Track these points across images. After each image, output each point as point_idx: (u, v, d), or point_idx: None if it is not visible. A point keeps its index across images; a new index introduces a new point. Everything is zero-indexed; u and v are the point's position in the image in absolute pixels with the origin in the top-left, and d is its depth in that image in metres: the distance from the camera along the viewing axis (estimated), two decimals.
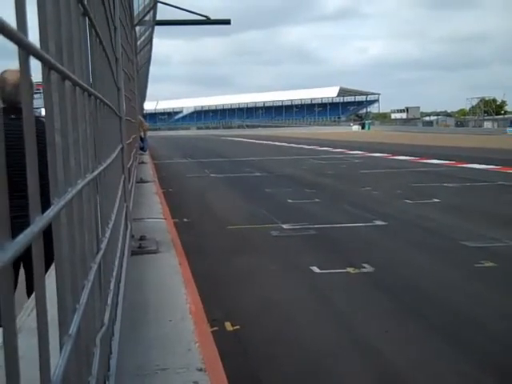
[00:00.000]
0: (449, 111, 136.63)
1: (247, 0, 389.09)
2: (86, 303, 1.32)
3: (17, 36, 0.73)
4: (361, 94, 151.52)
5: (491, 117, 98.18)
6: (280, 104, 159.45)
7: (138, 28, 17.41)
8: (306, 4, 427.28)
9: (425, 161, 24.01)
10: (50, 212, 1.07)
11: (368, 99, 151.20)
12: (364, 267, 6.67)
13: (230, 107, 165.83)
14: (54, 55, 1.31)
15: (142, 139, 21.63)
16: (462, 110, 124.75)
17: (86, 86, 1.82)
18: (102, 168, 2.23)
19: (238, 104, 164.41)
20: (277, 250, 7.93)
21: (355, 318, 5.17)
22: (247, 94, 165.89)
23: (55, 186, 1.20)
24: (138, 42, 19.46)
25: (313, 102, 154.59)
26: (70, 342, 1.09)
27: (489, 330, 4.78)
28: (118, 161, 4.31)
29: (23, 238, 0.73)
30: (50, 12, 1.37)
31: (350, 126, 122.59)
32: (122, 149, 4.91)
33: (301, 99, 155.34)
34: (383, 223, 9.56)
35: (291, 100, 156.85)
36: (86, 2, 1.97)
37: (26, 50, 0.81)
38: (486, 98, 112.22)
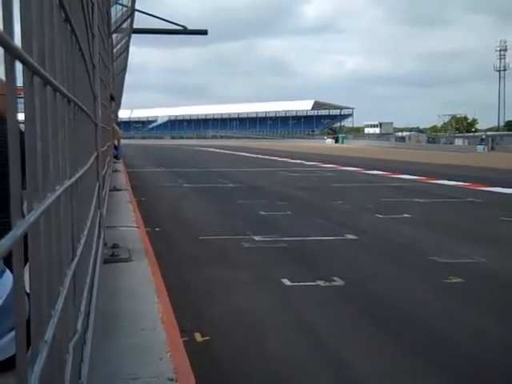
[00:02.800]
0: (421, 127, 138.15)
1: (225, 11, 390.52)
2: (61, 310, 1.32)
3: (4, 40, 0.73)
4: (335, 107, 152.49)
5: (462, 134, 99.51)
6: (254, 116, 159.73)
7: (114, 35, 17.37)
8: (284, 17, 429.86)
9: (396, 176, 24.24)
10: (30, 217, 1.07)
11: (342, 113, 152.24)
12: (334, 280, 6.71)
13: (204, 117, 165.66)
14: (37, 60, 1.31)
15: (115, 147, 21.51)
16: (433, 127, 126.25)
17: (66, 91, 1.82)
18: (79, 174, 2.23)
19: (213, 114, 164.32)
20: (248, 262, 7.93)
21: (325, 331, 5.20)
22: (222, 105, 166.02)
23: (35, 191, 1.20)
24: (115, 50, 19.40)
25: (287, 114, 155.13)
26: (46, 349, 1.09)
27: (454, 344, 4.84)
28: (93, 168, 4.30)
29: (5, 242, 0.73)
30: (34, 16, 1.37)
31: (323, 139, 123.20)
32: (97, 156, 4.89)
33: (275, 111, 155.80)
34: (354, 237, 9.62)
35: (266, 112, 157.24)
36: (67, 9, 1.97)
37: (12, 55, 0.81)
38: (458, 116, 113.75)
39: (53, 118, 1.54)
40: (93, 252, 2.95)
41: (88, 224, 2.61)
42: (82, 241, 2.15)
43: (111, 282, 3.71)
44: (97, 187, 4.41)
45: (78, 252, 1.92)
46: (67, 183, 1.69)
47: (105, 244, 4.62)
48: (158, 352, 2.48)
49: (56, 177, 1.54)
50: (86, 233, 2.36)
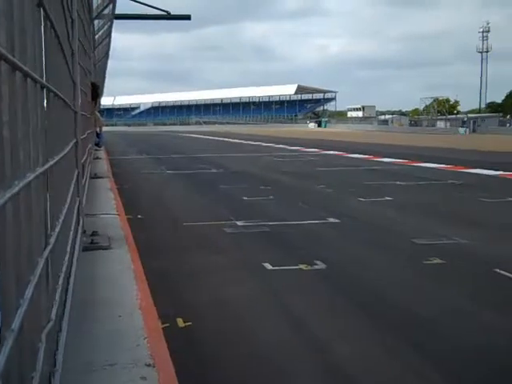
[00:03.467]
0: (403, 110, 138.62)
1: None
2: (30, 298, 1.32)
3: None
4: (318, 91, 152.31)
5: (444, 117, 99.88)
6: (238, 101, 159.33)
7: (96, 21, 17.19)
8: (267, 1, 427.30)
9: (379, 159, 24.33)
10: None
11: (325, 97, 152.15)
12: (316, 264, 6.74)
13: (187, 104, 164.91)
14: (5, 45, 1.30)
15: (97, 135, 21.39)
16: (416, 110, 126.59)
17: (38, 78, 1.81)
18: (53, 162, 2.22)
19: (196, 100, 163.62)
20: (230, 247, 7.94)
21: (306, 314, 5.23)
22: (205, 91, 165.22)
23: (1, 178, 1.20)
24: (97, 36, 19.22)
25: (270, 99, 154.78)
26: (12, 337, 1.09)
27: (432, 324, 4.90)
28: (72, 155, 4.28)
29: None
30: (2, 0, 1.36)
31: (306, 123, 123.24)
32: (76, 143, 4.87)
33: (259, 96, 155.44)
34: (336, 221, 9.67)
35: (249, 97, 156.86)
36: None
37: None
38: (440, 98, 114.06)
39: (23, 104, 1.53)
40: (70, 240, 2.95)
41: (64, 212, 2.61)
42: (57, 229, 2.15)
43: (90, 270, 3.71)
44: (75, 174, 4.40)
45: (52, 240, 1.92)
46: (39, 170, 1.69)
47: (84, 231, 4.61)
48: (136, 338, 2.49)
49: (27, 164, 1.54)
50: (61, 220, 2.36)
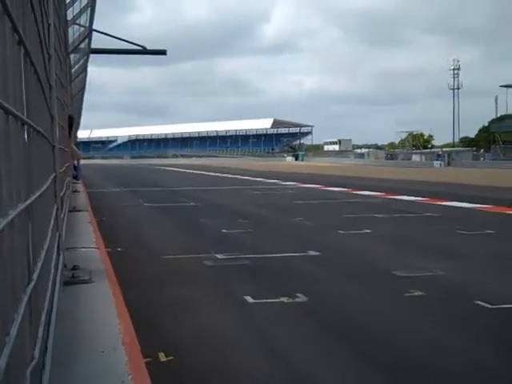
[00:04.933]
0: (379, 144, 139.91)
1: (184, 31, 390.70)
2: (16, 336, 1.29)
3: None
4: (294, 125, 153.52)
5: (419, 150, 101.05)
6: (215, 134, 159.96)
7: (72, 55, 17.25)
8: (243, 37, 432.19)
9: (356, 192, 24.47)
10: None
11: (302, 131, 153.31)
12: (298, 297, 6.72)
13: (164, 137, 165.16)
14: None
15: (75, 168, 21.29)
16: (391, 144, 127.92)
17: (19, 115, 1.80)
18: (34, 197, 2.20)
19: (173, 134, 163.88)
20: (211, 280, 7.89)
21: (287, 346, 5.19)
22: (182, 124, 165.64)
23: None
24: (73, 70, 19.26)
25: (247, 133, 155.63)
26: None
27: (414, 357, 4.89)
28: (51, 190, 4.24)
29: None
30: None
31: (284, 157, 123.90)
32: (55, 178, 4.84)
33: (235, 130, 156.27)
34: (316, 253, 9.66)
35: (226, 131, 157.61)
36: (21, 31, 1.96)
37: None
38: (414, 133, 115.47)
39: (5, 141, 1.52)
40: (51, 275, 2.91)
41: (45, 246, 2.57)
42: (39, 264, 2.12)
43: (71, 305, 3.65)
44: (55, 209, 4.36)
45: (35, 276, 1.89)
46: (21, 206, 1.67)
47: (64, 266, 4.56)
48: (120, 375, 2.45)
49: (9, 201, 1.52)
50: (43, 256, 2.33)
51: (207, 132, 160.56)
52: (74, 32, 16.46)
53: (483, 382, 4.39)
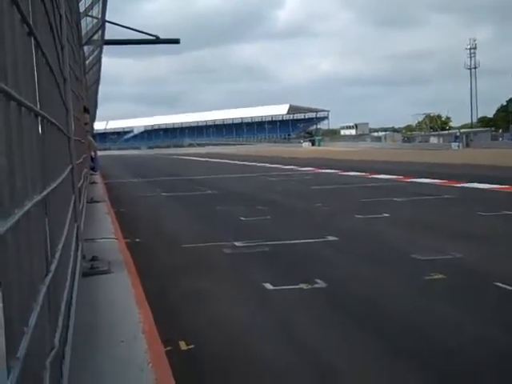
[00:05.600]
0: (396, 127, 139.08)
1: (197, 18, 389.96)
2: (34, 326, 1.30)
3: None
4: (310, 111, 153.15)
5: (437, 132, 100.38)
6: (230, 122, 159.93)
7: (86, 47, 17.30)
8: (256, 22, 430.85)
9: (374, 176, 24.36)
10: None
11: (318, 116, 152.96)
12: (317, 282, 6.71)
13: (180, 126, 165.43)
14: None
15: (92, 159, 21.39)
16: (408, 126, 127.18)
17: (32, 106, 1.80)
18: (50, 188, 2.21)
19: (189, 123, 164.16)
20: (230, 268, 7.91)
21: (308, 334, 5.19)
22: (197, 113, 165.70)
23: (0, 207, 1.18)
24: (87, 62, 19.33)
25: (263, 119, 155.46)
26: (18, 366, 1.07)
27: (434, 339, 4.87)
28: (68, 181, 4.26)
29: None
30: None
31: (300, 142, 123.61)
32: (72, 169, 4.86)
33: (251, 117, 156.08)
34: (335, 239, 9.64)
35: (241, 118, 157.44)
36: (31, 22, 1.96)
37: None
38: (431, 114, 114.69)
39: (18, 133, 1.52)
40: (70, 266, 2.92)
41: (63, 238, 2.59)
42: (57, 255, 2.13)
43: (91, 295, 3.68)
44: (73, 200, 4.38)
45: (53, 267, 1.90)
46: (37, 198, 1.68)
47: (83, 257, 4.59)
48: (139, 363, 2.46)
49: (24, 192, 1.52)
50: (60, 247, 2.34)
51: (223, 120, 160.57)
52: (87, 24, 16.50)
53: (500, 362, 4.36)
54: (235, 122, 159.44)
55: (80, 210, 5.34)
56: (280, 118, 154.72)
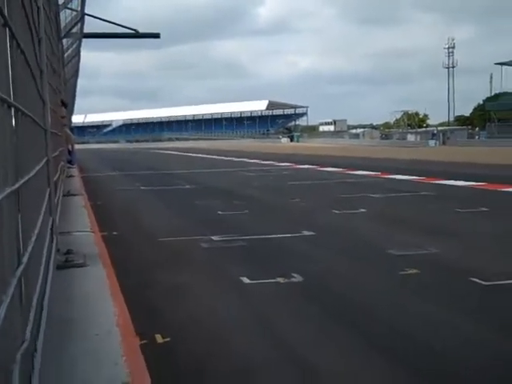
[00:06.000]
0: (374, 124, 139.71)
1: (178, 13, 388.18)
2: (4, 318, 1.29)
3: None
4: (289, 107, 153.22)
5: (414, 130, 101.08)
6: (209, 117, 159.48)
7: (65, 40, 17.14)
8: (238, 18, 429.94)
9: (352, 172, 24.48)
10: None
11: (297, 112, 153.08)
12: (294, 277, 6.73)
13: (159, 120, 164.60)
14: None
15: (69, 152, 21.23)
16: (386, 123, 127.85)
17: (4, 96, 1.79)
18: (23, 181, 2.19)
19: (168, 117, 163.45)
20: (207, 262, 7.91)
21: (284, 327, 5.21)
22: (177, 108, 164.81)
23: None
24: (66, 55, 19.15)
25: (242, 115, 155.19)
26: None
27: (408, 333, 4.92)
28: (43, 174, 4.23)
29: None
30: None
31: (279, 138, 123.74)
32: (48, 162, 4.82)
33: (230, 112, 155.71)
34: (312, 233, 9.68)
35: (221, 113, 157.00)
36: (6, 13, 1.94)
37: None
38: (409, 112, 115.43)
39: None
40: (44, 258, 2.90)
41: (37, 230, 2.57)
42: (30, 248, 2.12)
43: (65, 288, 3.65)
44: (48, 193, 4.35)
45: (25, 259, 1.89)
46: (9, 190, 1.66)
47: (58, 250, 4.55)
48: (113, 356, 2.45)
49: None
50: (34, 239, 2.32)
51: (202, 115, 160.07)
52: (66, 17, 16.34)
53: (473, 356, 4.42)
54: (214, 117, 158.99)
55: (55, 202, 5.30)
56: (259, 114, 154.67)
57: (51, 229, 4.01)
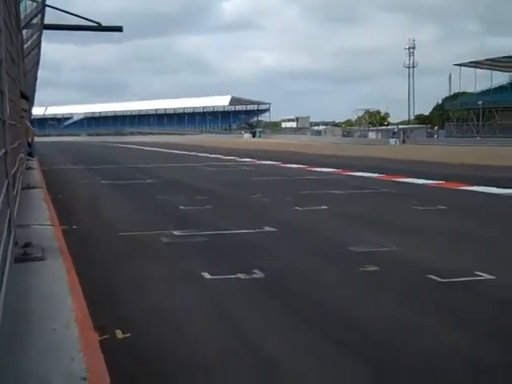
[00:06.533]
0: (336, 121, 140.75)
1: (142, 7, 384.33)
2: None
3: None
4: (252, 103, 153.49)
5: (375, 128, 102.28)
6: (172, 112, 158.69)
7: (25, 31, 16.82)
8: (202, 14, 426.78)
9: (313, 169, 24.62)
10: None
11: (259, 108, 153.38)
12: (254, 273, 6.74)
13: (122, 114, 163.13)
14: None
15: (29, 145, 20.88)
16: (348, 121, 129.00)
17: None
18: None
19: (130, 111, 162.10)
20: (168, 257, 7.87)
21: (244, 321, 5.22)
22: (139, 102, 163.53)
23: None
24: (26, 46, 18.80)
25: (205, 110, 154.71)
26: None
27: (364, 328, 4.98)
28: (1, 165, 4.15)
29: None
30: None
31: (241, 134, 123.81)
32: (6, 153, 4.73)
33: (193, 107, 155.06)
34: (273, 229, 9.71)
35: (183, 108, 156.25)
36: None
37: None
38: (371, 110, 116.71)
39: None
40: (0, 252, 2.85)
41: None
42: None
43: (22, 282, 3.59)
44: (5, 185, 4.27)
45: None
46: None
47: (15, 243, 4.47)
48: (71, 352, 2.41)
49: None
50: None
51: (164, 110, 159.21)
52: (26, 7, 16.02)
53: (428, 352, 4.49)
54: (177, 111, 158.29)
55: (14, 195, 5.20)
56: (221, 109, 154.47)
57: (9, 222, 3.94)
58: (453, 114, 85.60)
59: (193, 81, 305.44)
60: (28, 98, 17.99)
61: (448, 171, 22.85)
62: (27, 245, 4.72)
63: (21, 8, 14.15)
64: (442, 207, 12.68)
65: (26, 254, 4.50)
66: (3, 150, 4.38)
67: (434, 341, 4.72)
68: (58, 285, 3.68)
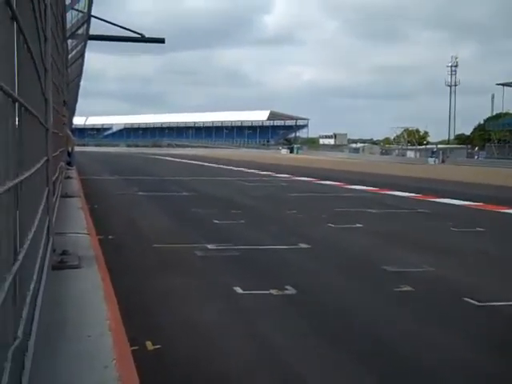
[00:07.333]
0: (374, 139, 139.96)
1: (184, 20, 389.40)
2: None
3: None
4: (291, 118, 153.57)
5: (414, 146, 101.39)
6: (210, 125, 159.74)
7: (70, 41, 17.15)
8: (243, 27, 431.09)
9: (350, 186, 24.48)
10: None
11: (297, 124, 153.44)
12: (287, 289, 6.71)
13: (160, 126, 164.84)
14: None
15: (69, 154, 21.18)
16: (386, 139, 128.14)
17: (9, 90, 1.77)
18: (23, 177, 2.18)
19: (169, 123, 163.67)
20: (201, 270, 7.88)
21: (275, 340, 5.19)
22: (178, 114, 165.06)
23: None
24: (70, 55, 19.15)
25: (243, 124, 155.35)
26: None
27: (398, 351, 4.90)
28: (43, 173, 4.21)
29: None
30: None
31: (279, 149, 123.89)
32: (48, 161, 4.81)
33: (231, 121, 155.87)
34: (307, 246, 9.66)
35: (222, 121, 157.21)
36: (15, 6, 1.93)
37: None
38: (410, 129, 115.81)
39: None
40: (39, 258, 2.88)
41: (34, 229, 2.55)
42: (26, 245, 2.10)
43: (59, 289, 3.63)
44: (46, 192, 4.33)
45: (21, 256, 1.87)
46: (9, 184, 1.65)
47: (53, 250, 4.53)
48: (104, 359, 2.43)
49: None
50: (30, 237, 2.30)
51: (203, 122, 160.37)
52: (72, 17, 16.34)
53: (464, 377, 4.40)
54: (215, 125, 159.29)
55: (53, 203, 5.28)
56: (260, 124, 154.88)
57: (48, 229, 3.99)
58: (494, 135, 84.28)
59: (231, 94, 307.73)
60: (68, 106, 18.26)
61: (487, 192, 22.49)
62: (64, 252, 4.78)
63: (67, 18, 14.43)
64: (480, 229, 12.48)
65: (62, 262, 4.56)
66: (45, 158, 4.45)
67: (467, 367, 4.63)
68: (93, 293, 3.72)
